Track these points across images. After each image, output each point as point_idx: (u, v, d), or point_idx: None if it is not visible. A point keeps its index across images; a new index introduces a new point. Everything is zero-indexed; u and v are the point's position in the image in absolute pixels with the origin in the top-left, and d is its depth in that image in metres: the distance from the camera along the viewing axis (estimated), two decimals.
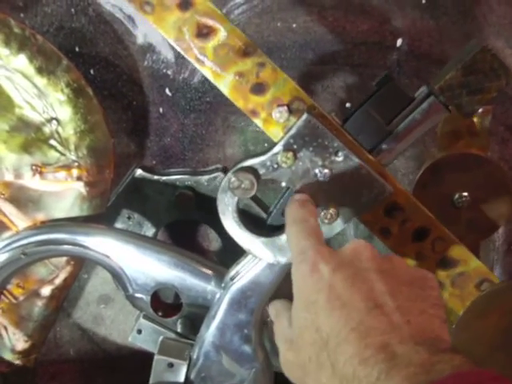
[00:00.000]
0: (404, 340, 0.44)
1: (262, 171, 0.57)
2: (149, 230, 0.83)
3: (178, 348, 0.69)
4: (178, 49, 0.60)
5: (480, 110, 0.71)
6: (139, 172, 0.80)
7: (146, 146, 0.84)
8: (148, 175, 0.81)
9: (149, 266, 0.72)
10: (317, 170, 0.57)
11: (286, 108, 0.59)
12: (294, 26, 0.79)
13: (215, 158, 0.84)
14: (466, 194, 0.72)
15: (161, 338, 0.70)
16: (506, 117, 0.80)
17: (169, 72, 0.80)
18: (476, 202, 0.72)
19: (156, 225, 0.83)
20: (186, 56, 0.60)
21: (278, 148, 0.57)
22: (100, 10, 0.78)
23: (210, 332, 0.67)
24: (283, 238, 0.59)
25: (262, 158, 0.57)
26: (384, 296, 0.47)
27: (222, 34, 0.59)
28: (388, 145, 0.59)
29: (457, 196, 0.72)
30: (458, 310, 0.63)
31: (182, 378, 0.67)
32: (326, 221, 0.58)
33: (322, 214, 0.58)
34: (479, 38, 0.78)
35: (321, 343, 0.47)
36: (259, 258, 0.61)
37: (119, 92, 0.81)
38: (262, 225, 0.63)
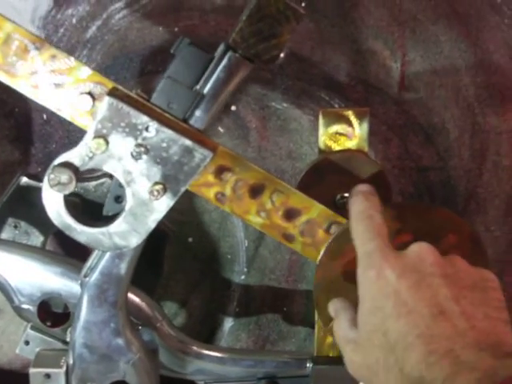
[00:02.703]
0: (468, 346, 0.46)
1: (78, 163, 0.57)
2: (36, 239, 0.81)
3: (53, 357, 0.69)
4: None
5: (356, 111, 0.72)
6: (24, 180, 0.79)
7: (30, 154, 0.83)
8: (34, 183, 0.79)
9: (34, 276, 0.71)
10: (132, 150, 0.56)
11: (88, 96, 0.58)
12: (176, 29, 0.79)
13: None
14: (347, 194, 0.73)
15: (37, 350, 0.69)
16: (388, 116, 0.82)
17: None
18: None
19: (44, 233, 0.81)
20: None
21: (87, 137, 0.56)
22: None
23: (77, 334, 0.66)
24: (117, 223, 0.59)
25: (75, 150, 0.57)
26: (448, 302, 0.49)
27: None
28: (200, 109, 0.58)
29: (338, 197, 0.73)
30: (315, 258, 0.64)
31: None
32: (153, 197, 0.58)
33: (148, 191, 0.58)
34: (358, 40, 0.80)
35: (388, 347, 0.49)
36: (101, 249, 0.61)
37: (0, 99, 0.79)
38: (100, 216, 0.64)
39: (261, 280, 0.90)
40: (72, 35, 0.79)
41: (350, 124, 0.74)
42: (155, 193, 0.57)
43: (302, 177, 0.74)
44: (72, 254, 0.75)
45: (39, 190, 0.79)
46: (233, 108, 0.82)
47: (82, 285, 0.67)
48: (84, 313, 0.66)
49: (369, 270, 0.53)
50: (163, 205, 0.58)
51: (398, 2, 0.78)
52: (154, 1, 0.78)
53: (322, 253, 0.64)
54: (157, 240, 0.88)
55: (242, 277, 0.90)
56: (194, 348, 0.77)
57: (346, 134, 0.74)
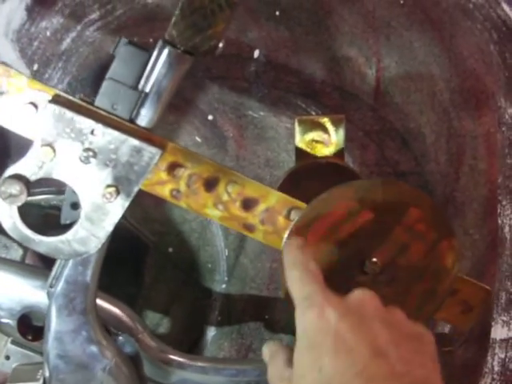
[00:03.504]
0: None
1: (28, 174, 0.56)
2: (16, 252, 0.81)
3: (30, 371, 0.69)
4: None
5: (332, 118, 0.73)
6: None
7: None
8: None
9: (14, 289, 0.71)
10: (80, 155, 0.56)
11: (31, 105, 0.57)
12: (151, 40, 0.79)
13: None
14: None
15: (14, 365, 0.69)
16: (364, 122, 0.82)
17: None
18: None
19: (23, 247, 0.81)
20: None
21: (34, 146, 0.56)
22: None
23: (50, 345, 0.66)
24: (75, 230, 0.58)
25: (23, 161, 0.56)
26: (387, 345, 0.49)
27: None
28: (145, 108, 0.57)
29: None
30: (279, 245, 0.63)
31: None
32: (107, 201, 0.57)
33: (101, 194, 0.57)
34: (333, 47, 0.80)
35: (323, 383, 0.49)
36: (62, 257, 0.61)
37: None
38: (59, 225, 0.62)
39: (242, 289, 0.90)
40: (46, 48, 0.79)
41: (326, 131, 0.75)
42: (108, 196, 0.57)
43: (279, 184, 0.74)
44: (52, 267, 0.74)
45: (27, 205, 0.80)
46: (210, 117, 0.82)
47: (48, 295, 0.66)
48: (54, 323, 0.66)
49: (309, 311, 0.52)
50: (118, 207, 0.58)
51: (371, 8, 0.79)
52: (128, 12, 0.78)
53: (284, 239, 0.63)
54: (137, 251, 0.88)
55: (223, 286, 0.89)
56: (177, 358, 0.77)
57: (323, 141, 0.74)
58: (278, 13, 0.79)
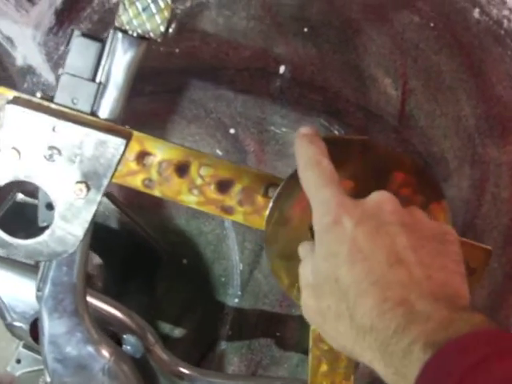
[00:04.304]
0: (424, 295, 0.44)
1: None
2: None
3: (32, 378, 0.68)
4: None
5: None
6: (20, 196, 0.79)
7: None
8: (29, 199, 0.79)
9: (28, 293, 0.71)
10: (45, 153, 0.55)
11: None
12: (177, 51, 0.78)
13: None
14: None
15: (27, 370, 0.69)
16: (387, 144, 0.81)
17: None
18: None
19: None
20: None
21: None
22: None
23: (46, 349, 0.66)
24: (51, 230, 0.57)
25: None
26: (406, 250, 0.47)
27: None
28: (106, 99, 0.57)
29: None
30: (261, 225, 0.60)
31: None
32: (78, 197, 0.56)
33: (72, 192, 0.56)
34: (359, 67, 0.79)
35: (340, 294, 0.47)
36: (42, 259, 0.61)
37: None
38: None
39: (254, 304, 0.89)
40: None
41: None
42: (79, 192, 0.56)
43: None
44: None
45: (35, 206, 0.79)
46: (231, 131, 0.82)
47: (37, 299, 0.65)
48: (47, 327, 0.65)
49: (325, 217, 0.50)
50: (91, 203, 0.57)
51: (400, 30, 0.78)
52: None
53: (266, 219, 0.59)
54: (151, 261, 0.87)
55: (236, 300, 0.89)
56: (188, 372, 0.76)
57: None
58: (306, 29, 0.78)
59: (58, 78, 0.77)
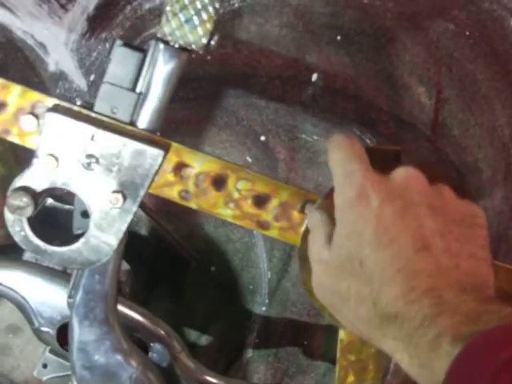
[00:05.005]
0: (451, 285, 0.43)
1: (34, 185, 0.55)
2: None
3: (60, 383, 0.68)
4: None
5: None
6: (50, 201, 0.79)
7: None
8: (59, 204, 0.79)
9: (55, 299, 0.71)
10: (83, 162, 0.55)
11: (30, 116, 0.56)
12: (209, 58, 0.78)
13: None
14: None
15: (45, 378, 0.69)
16: (420, 153, 0.80)
17: (81, 101, 0.79)
18: None
19: None
20: None
21: (36, 157, 0.55)
22: (11, 36, 0.77)
23: (74, 356, 0.65)
24: (85, 238, 0.57)
25: (27, 172, 0.55)
26: (433, 235, 0.45)
27: None
28: (145, 109, 0.56)
29: None
30: (296, 241, 0.60)
31: None
32: (114, 207, 0.56)
33: (108, 201, 0.56)
34: (393, 76, 0.79)
35: (364, 277, 0.45)
36: (75, 267, 0.61)
37: None
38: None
39: (282, 312, 0.88)
40: (105, 60, 0.79)
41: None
42: (115, 201, 0.56)
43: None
44: None
45: (64, 211, 0.79)
46: (262, 138, 0.81)
47: (69, 306, 0.65)
48: (77, 334, 0.65)
49: (348, 190, 0.47)
50: (126, 212, 0.56)
51: (435, 38, 0.77)
52: None
53: (301, 235, 0.59)
54: (179, 267, 0.87)
55: (263, 308, 0.88)
56: (214, 380, 0.76)
57: None
58: (339, 37, 0.77)
59: (89, 84, 0.79)
